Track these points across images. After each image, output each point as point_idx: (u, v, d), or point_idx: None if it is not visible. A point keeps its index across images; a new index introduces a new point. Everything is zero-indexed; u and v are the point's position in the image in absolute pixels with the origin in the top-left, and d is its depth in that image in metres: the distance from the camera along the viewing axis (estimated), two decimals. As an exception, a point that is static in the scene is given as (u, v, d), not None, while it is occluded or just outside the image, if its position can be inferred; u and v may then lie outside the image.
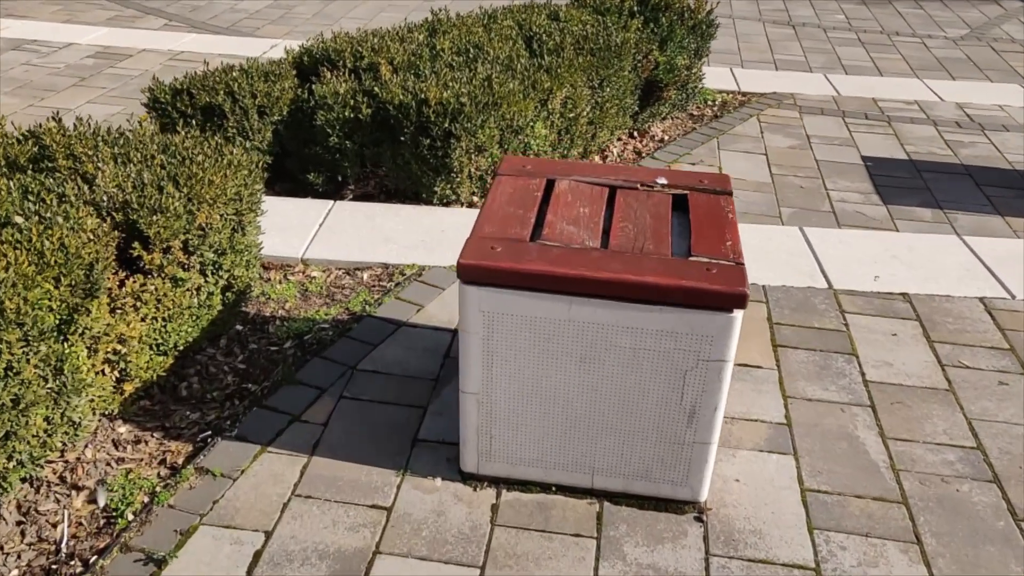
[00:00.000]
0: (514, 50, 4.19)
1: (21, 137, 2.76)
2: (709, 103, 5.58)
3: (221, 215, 2.67)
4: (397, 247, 3.52)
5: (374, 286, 3.30)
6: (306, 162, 3.97)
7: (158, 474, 2.37)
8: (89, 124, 2.82)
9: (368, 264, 3.43)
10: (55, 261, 2.13)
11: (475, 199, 3.94)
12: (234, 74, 3.86)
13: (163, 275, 2.51)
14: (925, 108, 5.67)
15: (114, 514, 2.23)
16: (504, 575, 2.10)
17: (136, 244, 2.43)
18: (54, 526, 2.18)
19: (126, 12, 7.39)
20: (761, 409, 2.72)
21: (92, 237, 2.28)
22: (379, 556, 2.15)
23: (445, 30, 4.41)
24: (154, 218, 2.43)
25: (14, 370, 2.02)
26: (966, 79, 6.37)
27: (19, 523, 2.19)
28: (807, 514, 2.32)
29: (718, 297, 1.97)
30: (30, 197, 2.36)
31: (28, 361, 2.07)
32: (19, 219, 2.20)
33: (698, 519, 2.29)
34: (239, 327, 3.01)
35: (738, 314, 2.00)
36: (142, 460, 2.41)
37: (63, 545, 2.13)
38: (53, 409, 2.19)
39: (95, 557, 2.10)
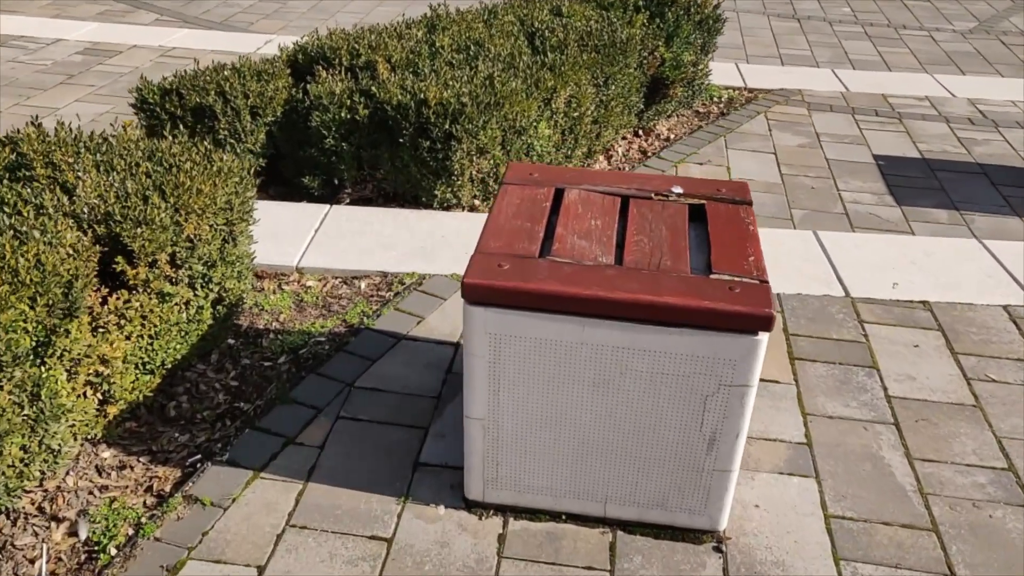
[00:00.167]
0: (516, 47, 4.04)
1: (-1, 143, 2.62)
2: (715, 100, 5.44)
3: (211, 225, 2.53)
4: (396, 254, 3.38)
5: (372, 296, 3.16)
6: (301, 165, 3.83)
7: (144, 503, 2.23)
8: (71, 129, 2.67)
9: (366, 272, 3.28)
10: (31, 280, 1.99)
11: (476, 203, 3.80)
12: (225, 73, 3.71)
13: (149, 290, 2.37)
14: (936, 104, 5.53)
15: (96, 548, 2.09)
16: (513, 614, 1.97)
17: (119, 258, 2.29)
18: (31, 562, 2.05)
19: (117, 7, 7.22)
20: (780, 427, 2.59)
21: (71, 252, 2.14)
22: (379, 593, 2.02)
23: (444, 26, 4.26)
24: (139, 231, 2.29)
25: (-14, 399, 1.88)
26: (977, 74, 6.23)
27: (-5, 559, 2.06)
28: (832, 543, 2.19)
29: (742, 319, 1.83)
30: (5, 209, 2.21)
31: (2, 388, 1.93)
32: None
33: (717, 549, 2.16)
34: (231, 341, 2.87)
35: (763, 337, 1.86)
36: (127, 487, 2.27)
37: (42, 583, 2.00)
38: (30, 437, 2.05)
39: (76, 596, 1.97)
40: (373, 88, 3.62)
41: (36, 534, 2.12)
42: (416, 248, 3.43)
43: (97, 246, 2.25)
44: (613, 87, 4.22)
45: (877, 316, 3.15)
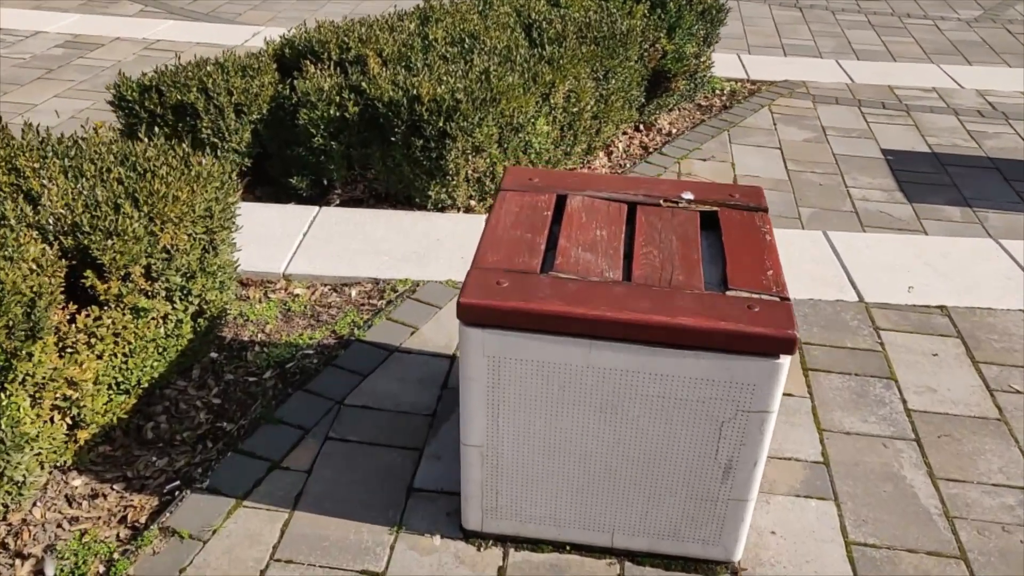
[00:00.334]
0: (512, 39, 3.87)
1: (-39, 147, 2.45)
2: (717, 92, 5.28)
3: (189, 235, 2.37)
4: (388, 259, 3.22)
5: (363, 304, 3.00)
6: (288, 164, 3.66)
7: (117, 535, 2.08)
8: (38, 132, 2.50)
9: (357, 279, 3.12)
10: (-11, 300, 1.83)
11: (472, 203, 3.64)
12: (208, 69, 3.54)
13: (122, 306, 2.21)
14: (944, 96, 5.38)
15: (65, 587, 1.95)
16: (514, 658, 1.83)
17: (89, 273, 2.13)
18: (-5, 604, 1.90)
19: (100, -2, 7.01)
20: (795, 445, 2.45)
21: (35, 267, 1.98)
22: (370, 636, 1.87)
23: (438, 18, 4.09)
24: (109, 242, 2.13)
25: (-61, 432, 1.73)
26: (983, 64, 6.07)
27: (-45, 600, 1.91)
28: (854, 573, 2.05)
29: (763, 341, 1.68)
30: (-36, 221, 2.05)
31: (-43, 419, 1.77)
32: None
33: (732, 582, 2.02)
34: (214, 355, 2.72)
35: (785, 360, 1.72)
36: (99, 518, 2.12)
37: (5, 628, 1.85)
38: (-9, 469, 1.90)
39: (41, 643, 1.82)
40: (363, 84, 3.45)
41: None
42: (409, 252, 3.27)
43: (64, 260, 2.09)
44: (613, 81, 4.06)
45: (893, 323, 3.00)
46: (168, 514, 2.12)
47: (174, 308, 2.40)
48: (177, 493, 2.20)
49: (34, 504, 2.14)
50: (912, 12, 7.45)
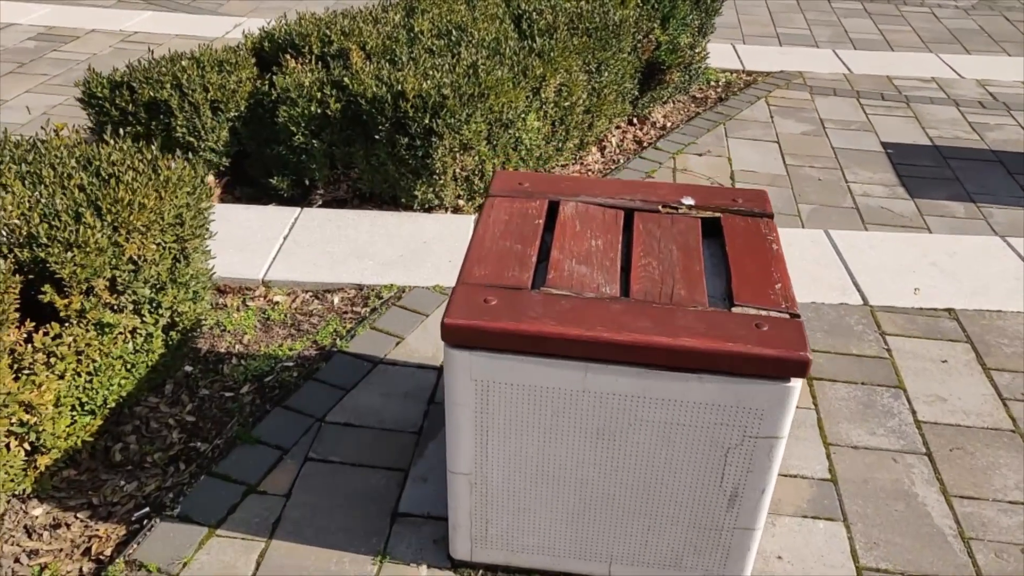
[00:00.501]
0: (501, 31, 3.72)
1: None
2: (712, 84, 5.13)
3: (158, 244, 2.22)
4: (373, 264, 3.08)
5: (346, 312, 2.86)
6: (268, 164, 3.51)
7: (80, 569, 1.94)
8: (-5, 134, 2.35)
9: (339, 285, 2.98)
10: (-67, 322, 1.68)
11: (461, 203, 3.50)
12: (183, 64, 3.37)
13: (85, 322, 2.07)
14: (944, 86, 5.25)
15: (24, 629, 1.81)
16: None
17: (47, 287, 1.98)
18: (-53, 648, 1.76)
19: (77, -12, 6.80)
20: (801, 461, 2.33)
21: (-14, 285, 1.83)
22: None
23: (424, 9, 3.93)
24: (69, 255, 1.98)
25: None
26: (983, 53, 5.95)
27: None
28: (866, 601, 1.94)
29: (773, 364, 1.55)
30: (-91, 234, 1.90)
31: (-101, 453, 1.63)
32: None
33: (738, 613, 1.90)
34: (188, 368, 2.57)
35: (796, 383, 1.59)
36: (61, 551, 1.98)
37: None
38: (-59, 504, 1.76)
39: None
40: (346, 79, 3.29)
41: (-48, 614, 1.83)
42: (395, 256, 3.13)
43: (19, 275, 1.94)
44: (606, 74, 3.91)
45: (899, 327, 2.88)
46: (136, 545, 1.99)
47: (143, 322, 2.26)
48: (146, 521, 2.07)
49: (-9, 537, 2.00)
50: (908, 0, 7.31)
